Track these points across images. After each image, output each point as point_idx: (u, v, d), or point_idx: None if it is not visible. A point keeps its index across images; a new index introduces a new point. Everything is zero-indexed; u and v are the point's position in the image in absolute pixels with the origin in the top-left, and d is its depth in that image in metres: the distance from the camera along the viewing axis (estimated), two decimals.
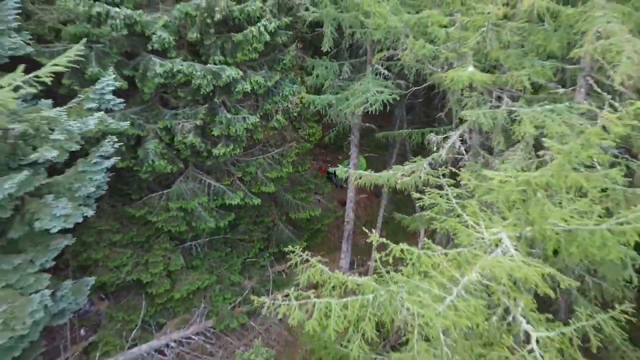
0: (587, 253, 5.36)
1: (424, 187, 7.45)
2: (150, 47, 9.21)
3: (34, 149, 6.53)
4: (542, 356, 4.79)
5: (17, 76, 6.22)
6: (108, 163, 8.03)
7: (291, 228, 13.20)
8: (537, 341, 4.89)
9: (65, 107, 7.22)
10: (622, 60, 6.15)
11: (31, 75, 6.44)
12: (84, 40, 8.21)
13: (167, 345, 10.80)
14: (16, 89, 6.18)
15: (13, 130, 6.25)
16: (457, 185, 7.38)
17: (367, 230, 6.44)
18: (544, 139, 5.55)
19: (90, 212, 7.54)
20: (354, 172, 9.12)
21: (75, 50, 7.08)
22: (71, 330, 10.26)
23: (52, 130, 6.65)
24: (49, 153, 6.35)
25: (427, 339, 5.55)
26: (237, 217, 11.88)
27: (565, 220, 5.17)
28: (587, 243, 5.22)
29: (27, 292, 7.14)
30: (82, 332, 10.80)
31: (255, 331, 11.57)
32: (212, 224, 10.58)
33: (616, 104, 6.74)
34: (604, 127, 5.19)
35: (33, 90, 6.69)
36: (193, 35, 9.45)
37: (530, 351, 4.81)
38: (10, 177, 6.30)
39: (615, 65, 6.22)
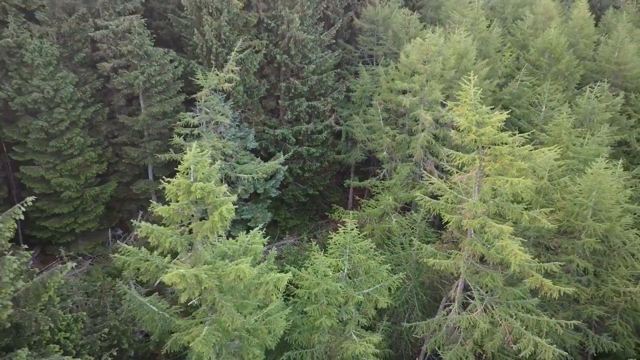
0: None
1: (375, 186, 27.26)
2: (285, 142, 29.03)
3: (274, 174, 26.25)
4: None
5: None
6: (281, 178, 27.68)
7: (327, 206, 32.92)
8: None
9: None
10: (418, 142, 25.96)
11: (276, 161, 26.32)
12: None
13: (287, 243, 30.33)
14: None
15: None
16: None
17: (359, 198, 26.43)
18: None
19: (278, 192, 27.29)
20: (352, 183, 29.09)
21: (278, 161, 26.97)
22: None
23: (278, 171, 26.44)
24: (279, 175, 26.12)
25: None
26: (306, 201, 31.61)
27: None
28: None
29: (264, 212, 26.74)
30: None
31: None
32: (303, 199, 30.46)
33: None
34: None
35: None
36: (300, 137, 29.29)
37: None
38: (267, 182, 26.08)
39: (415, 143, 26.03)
